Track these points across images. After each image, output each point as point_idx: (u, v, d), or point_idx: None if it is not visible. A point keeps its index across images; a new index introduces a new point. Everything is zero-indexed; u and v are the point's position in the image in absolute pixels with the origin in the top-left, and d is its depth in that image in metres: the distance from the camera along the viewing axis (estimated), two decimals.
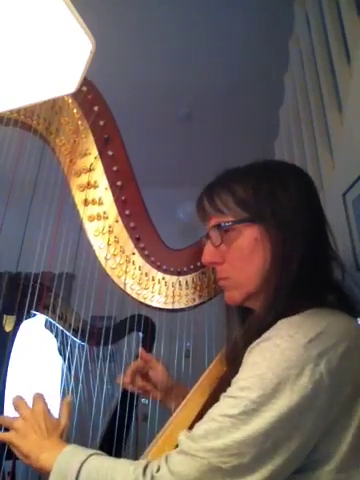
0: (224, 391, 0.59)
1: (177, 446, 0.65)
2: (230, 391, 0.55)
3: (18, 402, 0.70)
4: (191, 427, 0.68)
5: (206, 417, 0.55)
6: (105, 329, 1.03)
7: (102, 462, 0.57)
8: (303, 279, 0.61)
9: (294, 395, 0.50)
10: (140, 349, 0.93)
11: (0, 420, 0.69)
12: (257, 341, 0.56)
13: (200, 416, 0.70)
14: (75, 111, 0.87)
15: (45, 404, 0.70)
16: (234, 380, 0.56)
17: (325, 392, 0.51)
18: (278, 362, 0.52)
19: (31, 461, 0.63)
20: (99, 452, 0.60)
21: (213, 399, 0.72)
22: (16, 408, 0.70)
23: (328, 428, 0.52)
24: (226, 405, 0.53)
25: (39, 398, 0.70)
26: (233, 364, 0.70)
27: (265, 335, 0.56)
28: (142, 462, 0.55)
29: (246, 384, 0.53)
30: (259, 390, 0.51)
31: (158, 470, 0.52)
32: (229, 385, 0.58)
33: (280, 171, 0.71)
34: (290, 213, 0.65)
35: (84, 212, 0.85)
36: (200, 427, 0.54)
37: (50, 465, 0.59)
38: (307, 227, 0.65)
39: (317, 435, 0.52)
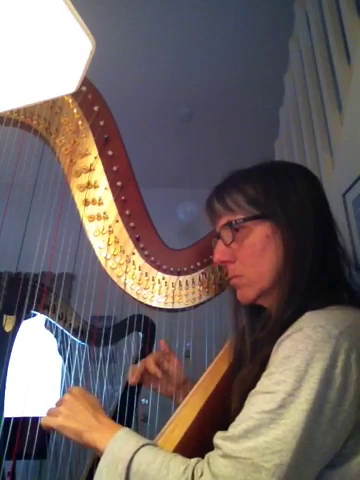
0: (237, 388, 0.60)
1: (180, 445, 0.65)
2: (264, 387, 0.54)
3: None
4: (193, 425, 0.69)
5: (242, 417, 0.54)
6: (105, 329, 1.03)
7: (154, 456, 0.56)
8: (316, 276, 0.63)
9: (327, 387, 0.51)
10: (161, 341, 0.92)
11: (48, 418, 0.69)
12: (287, 333, 0.57)
13: (202, 414, 0.71)
14: (75, 111, 0.87)
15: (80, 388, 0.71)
16: (265, 374, 0.56)
17: (353, 385, 0.52)
18: (311, 353, 0.52)
19: (83, 440, 0.64)
20: (151, 442, 0.60)
21: (216, 397, 0.73)
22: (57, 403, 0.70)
23: (357, 423, 0.53)
24: (262, 401, 0.53)
25: (73, 386, 0.72)
26: (240, 359, 0.71)
27: (295, 327, 0.56)
28: (192, 462, 0.54)
29: (281, 377, 0.52)
30: (295, 383, 0.51)
31: (201, 475, 0.51)
32: (244, 382, 0.59)
33: (289, 171, 0.72)
34: (300, 211, 0.66)
35: (84, 212, 0.85)
36: (238, 427, 0.53)
37: (103, 446, 0.60)
38: (316, 226, 0.66)
39: (349, 429, 0.52)
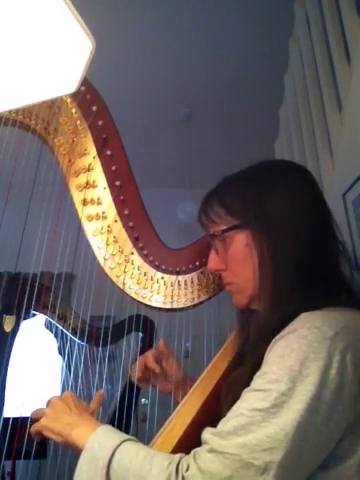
0: (229, 387, 0.60)
1: (178, 444, 0.65)
2: (257, 385, 0.54)
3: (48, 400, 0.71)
4: (192, 425, 0.69)
5: (232, 413, 0.54)
6: (104, 329, 1.03)
7: (137, 451, 0.55)
8: (305, 278, 0.62)
9: (322, 387, 0.50)
10: (160, 341, 0.92)
11: (33, 414, 0.69)
12: (282, 333, 0.57)
13: (201, 414, 0.71)
14: (74, 111, 0.87)
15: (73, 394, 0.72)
16: (259, 374, 0.55)
17: (349, 385, 0.51)
18: (306, 354, 0.52)
19: (63, 438, 0.63)
20: (133, 438, 0.59)
21: (214, 397, 0.73)
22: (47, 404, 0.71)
23: (351, 424, 0.53)
24: (255, 399, 0.52)
25: (68, 392, 0.72)
26: (241, 361, 0.71)
27: (290, 327, 0.56)
28: (176, 457, 0.53)
29: (275, 377, 0.52)
30: (288, 382, 0.51)
31: (187, 469, 0.51)
32: (237, 381, 0.59)
33: (271, 171, 0.72)
34: (277, 215, 0.66)
35: (83, 212, 0.85)
36: (227, 424, 0.52)
37: (82, 442, 0.58)
38: (302, 225, 0.65)
39: (342, 430, 0.52)
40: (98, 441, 0.58)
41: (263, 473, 0.48)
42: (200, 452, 0.52)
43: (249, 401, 0.53)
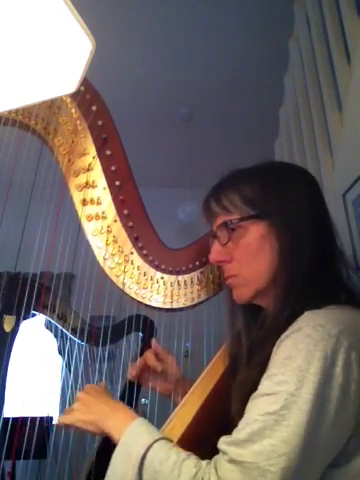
0: (239, 388, 0.61)
1: (178, 444, 0.65)
2: (265, 388, 0.54)
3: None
4: (192, 424, 0.69)
5: (245, 420, 0.54)
6: (104, 329, 1.03)
7: (168, 454, 0.55)
8: (313, 276, 0.63)
9: (328, 386, 0.51)
10: (152, 341, 0.92)
11: (64, 416, 0.70)
12: (286, 333, 0.57)
13: (200, 414, 0.71)
14: (73, 111, 0.86)
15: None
16: (266, 375, 0.55)
17: (354, 383, 0.52)
18: (312, 353, 0.52)
19: (99, 428, 0.65)
20: (165, 437, 0.60)
21: (214, 397, 0.73)
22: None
23: (359, 421, 0.53)
24: (265, 403, 0.52)
25: (88, 384, 0.74)
26: (237, 361, 0.71)
27: (295, 326, 0.57)
28: (203, 465, 0.54)
29: (283, 378, 0.52)
30: (297, 382, 0.51)
31: (209, 479, 0.51)
32: (245, 382, 0.60)
33: (287, 171, 0.73)
34: (297, 212, 0.66)
35: (82, 212, 0.85)
36: (242, 431, 0.52)
37: (117, 435, 0.61)
38: (314, 226, 0.66)
39: (351, 427, 0.52)
40: (132, 437, 0.59)
41: (279, 479, 0.48)
42: (220, 462, 0.52)
43: (260, 406, 0.53)
